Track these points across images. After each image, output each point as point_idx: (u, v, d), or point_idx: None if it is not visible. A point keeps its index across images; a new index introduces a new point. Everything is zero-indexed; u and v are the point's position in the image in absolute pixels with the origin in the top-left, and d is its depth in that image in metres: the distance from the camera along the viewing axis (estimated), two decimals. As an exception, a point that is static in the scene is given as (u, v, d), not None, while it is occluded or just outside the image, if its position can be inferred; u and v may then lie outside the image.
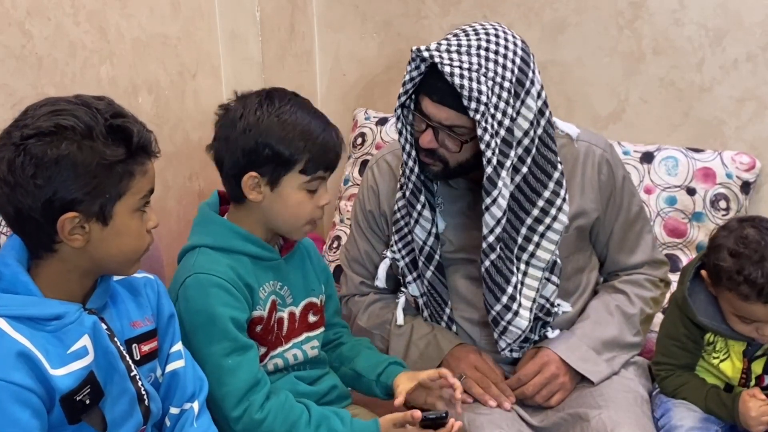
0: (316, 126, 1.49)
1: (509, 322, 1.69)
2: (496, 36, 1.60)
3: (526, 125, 1.63)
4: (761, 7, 2.12)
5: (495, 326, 1.71)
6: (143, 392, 1.30)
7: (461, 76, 1.54)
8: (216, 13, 2.31)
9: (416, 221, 1.75)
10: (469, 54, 1.57)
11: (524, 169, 1.66)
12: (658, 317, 1.86)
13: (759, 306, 1.53)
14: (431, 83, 1.59)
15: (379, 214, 1.89)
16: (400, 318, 1.85)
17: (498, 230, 1.63)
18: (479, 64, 1.56)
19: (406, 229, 1.80)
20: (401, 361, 1.73)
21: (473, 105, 1.54)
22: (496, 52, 1.58)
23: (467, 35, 1.61)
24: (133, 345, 1.33)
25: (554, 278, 1.75)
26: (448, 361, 1.76)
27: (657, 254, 1.90)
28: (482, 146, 1.57)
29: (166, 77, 2.11)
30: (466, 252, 1.78)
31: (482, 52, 1.57)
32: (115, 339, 1.28)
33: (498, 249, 1.65)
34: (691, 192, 2.15)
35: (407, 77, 1.62)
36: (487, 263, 1.66)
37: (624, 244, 1.85)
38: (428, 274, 1.78)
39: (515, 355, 1.79)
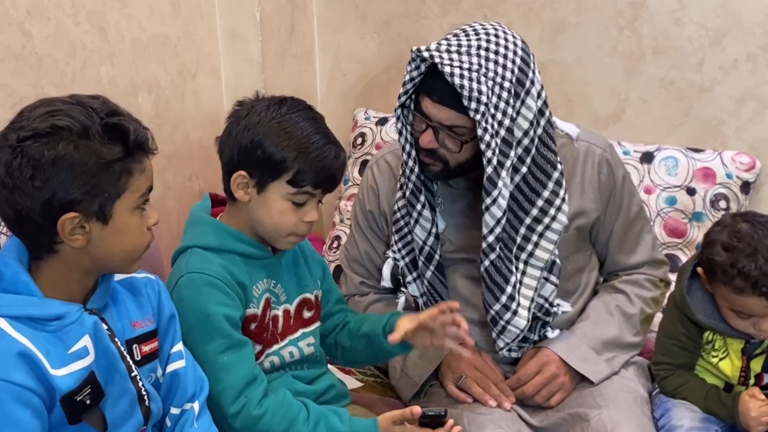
0: (315, 140, 1.47)
1: (508, 322, 1.69)
2: (496, 36, 1.60)
3: (526, 125, 1.63)
4: (761, 7, 2.13)
5: (494, 326, 1.71)
6: (144, 392, 1.30)
7: (461, 77, 1.54)
8: (216, 13, 2.31)
9: (416, 221, 1.75)
10: (469, 54, 1.57)
11: (524, 169, 1.66)
12: (658, 317, 1.86)
13: (754, 299, 1.53)
14: (431, 83, 1.59)
15: (378, 214, 1.89)
16: (400, 318, 1.85)
17: (498, 230, 1.63)
18: (479, 64, 1.56)
19: (406, 229, 1.80)
20: (402, 312, 1.69)
21: (473, 105, 1.54)
22: (496, 52, 1.58)
23: (467, 35, 1.61)
24: (134, 345, 1.33)
25: (553, 278, 1.75)
26: (448, 361, 1.77)
27: (657, 254, 1.90)
28: (482, 146, 1.57)
29: (166, 77, 2.11)
30: (466, 252, 1.78)
31: (482, 52, 1.57)
32: (116, 339, 1.28)
33: (498, 249, 1.65)
34: (691, 192, 2.15)
35: (407, 77, 1.62)
36: (486, 263, 1.66)
37: (624, 244, 1.85)
38: (428, 274, 1.78)
39: (514, 354, 1.79)
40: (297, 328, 1.61)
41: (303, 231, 1.52)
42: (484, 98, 1.54)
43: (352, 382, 1.99)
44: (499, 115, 1.58)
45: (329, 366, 1.73)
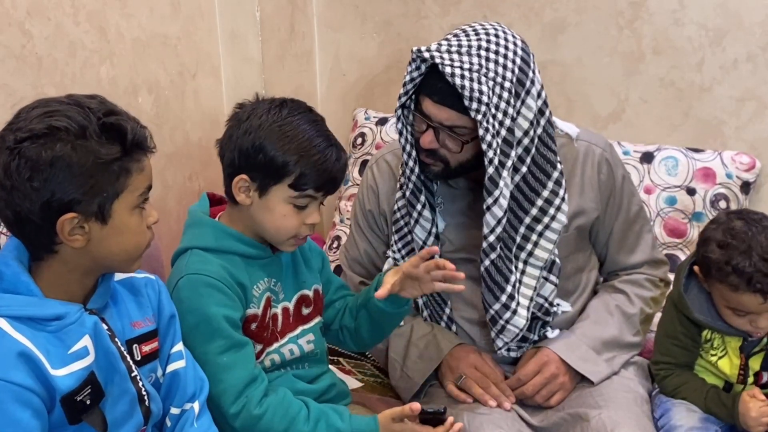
0: (316, 143, 1.46)
1: (507, 321, 1.69)
2: (497, 36, 1.60)
3: (526, 125, 1.63)
4: (761, 7, 2.13)
5: (493, 325, 1.71)
6: (144, 393, 1.30)
7: (462, 77, 1.54)
8: (216, 13, 2.31)
9: (416, 221, 1.75)
10: (469, 54, 1.57)
11: (524, 169, 1.67)
12: (658, 317, 1.86)
13: (749, 296, 1.54)
14: (432, 84, 1.59)
15: (378, 214, 1.89)
16: (400, 318, 1.85)
17: (499, 230, 1.63)
18: (480, 65, 1.56)
19: (406, 229, 1.80)
20: None
21: (474, 105, 1.54)
22: (497, 52, 1.58)
23: (467, 35, 1.61)
24: (134, 345, 1.33)
25: (553, 278, 1.75)
26: (448, 362, 1.77)
27: (657, 254, 1.90)
28: (484, 146, 1.57)
29: (166, 77, 2.11)
30: (466, 252, 1.78)
31: (482, 53, 1.57)
32: (116, 339, 1.28)
33: (498, 248, 1.65)
34: (691, 192, 2.15)
35: (407, 78, 1.62)
36: (487, 262, 1.66)
37: (624, 244, 1.85)
38: (428, 274, 1.78)
39: (514, 354, 1.79)
40: (296, 325, 1.62)
41: (305, 233, 1.52)
42: (484, 98, 1.54)
43: (352, 382, 1.99)
44: (499, 115, 1.58)
45: (330, 366, 1.73)
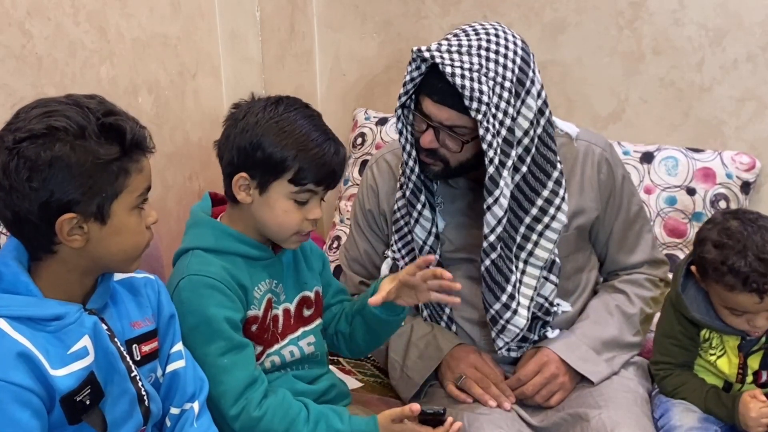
0: (314, 137, 1.46)
1: (508, 321, 1.69)
2: (497, 36, 1.60)
3: (526, 125, 1.63)
4: (761, 7, 2.13)
5: (493, 325, 1.71)
6: (143, 393, 1.30)
7: (462, 77, 1.54)
8: (216, 13, 2.31)
9: (416, 221, 1.75)
10: (469, 54, 1.57)
11: (524, 169, 1.67)
12: (658, 317, 1.86)
13: (745, 295, 1.54)
14: (432, 83, 1.59)
15: (378, 214, 1.89)
16: (400, 318, 1.85)
17: (499, 229, 1.63)
18: (480, 64, 1.56)
19: (406, 229, 1.80)
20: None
21: (474, 105, 1.54)
22: (497, 52, 1.58)
23: (467, 35, 1.61)
24: (134, 345, 1.33)
25: (553, 277, 1.75)
26: (448, 362, 1.77)
27: (657, 254, 1.90)
28: (484, 146, 1.57)
29: (166, 77, 2.11)
30: (466, 251, 1.78)
31: (483, 52, 1.58)
32: (116, 339, 1.28)
33: (499, 248, 1.65)
34: (691, 192, 2.15)
35: (407, 77, 1.62)
36: (487, 262, 1.66)
37: (624, 244, 1.85)
38: (428, 274, 1.78)
39: (514, 354, 1.79)
40: (297, 327, 1.61)
41: (307, 229, 1.52)
42: (485, 98, 1.54)
43: (352, 383, 1.99)
44: (500, 115, 1.58)
45: (330, 366, 1.73)
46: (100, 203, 1.20)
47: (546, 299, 1.76)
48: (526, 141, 1.65)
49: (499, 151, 1.59)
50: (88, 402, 1.21)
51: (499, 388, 1.72)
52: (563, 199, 1.70)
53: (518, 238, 1.70)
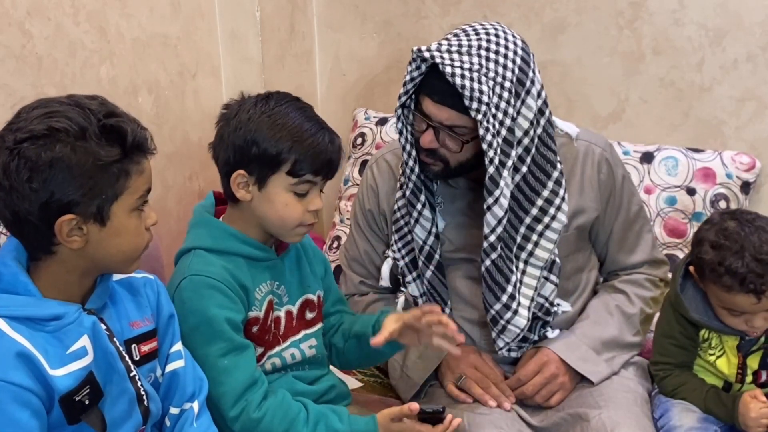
0: (307, 128, 1.47)
1: (508, 321, 1.69)
2: (497, 36, 1.60)
3: (526, 125, 1.63)
4: (761, 7, 2.13)
5: (494, 325, 1.71)
6: (143, 392, 1.30)
7: (462, 77, 1.54)
8: (216, 13, 2.31)
9: (416, 221, 1.75)
10: (469, 54, 1.57)
11: (524, 169, 1.67)
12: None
13: (742, 296, 1.54)
14: (432, 83, 1.59)
15: (378, 214, 1.89)
16: (399, 318, 1.85)
17: (499, 229, 1.63)
18: (480, 64, 1.56)
19: (406, 229, 1.80)
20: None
21: (474, 105, 1.54)
22: (497, 52, 1.58)
23: (467, 35, 1.61)
24: (133, 345, 1.33)
25: (553, 277, 1.75)
26: (448, 362, 1.77)
27: (657, 254, 1.90)
28: (484, 146, 1.57)
29: (166, 77, 2.11)
30: (466, 251, 1.78)
31: (483, 52, 1.58)
32: (115, 339, 1.28)
33: (499, 248, 1.65)
34: (691, 192, 2.15)
35: (408, 77, 1.62)
36: (487, 262, 1.66)
37: (624, 244, 1.85)
38: (428, 273, 1.78)
39: (514, 354, 1.79)
40: (299, 329, 1.61)
41: (310, 221, 1.51)
42: (485, 98, 1.54)
43: (352, 382, 1.99)
44: (500, 115, 1.58)
45: (330, 366, 1.73)
46: (100, 205, 1.20)
47: (546, 299, 1.76)
48: (526, 141, 1.65)
49: (499, 151, 1.59)
50: (87, 402, 1.21)
51: (499, 388, 1.72)
52: (563, 199, 1.70)
53: (518, 239, 1.70)
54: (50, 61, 1.72)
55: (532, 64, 1.64)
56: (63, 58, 1.76)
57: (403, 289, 1.90)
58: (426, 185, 1.74)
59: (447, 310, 1.81)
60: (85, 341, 1.22)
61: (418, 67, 1.61)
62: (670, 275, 1.90)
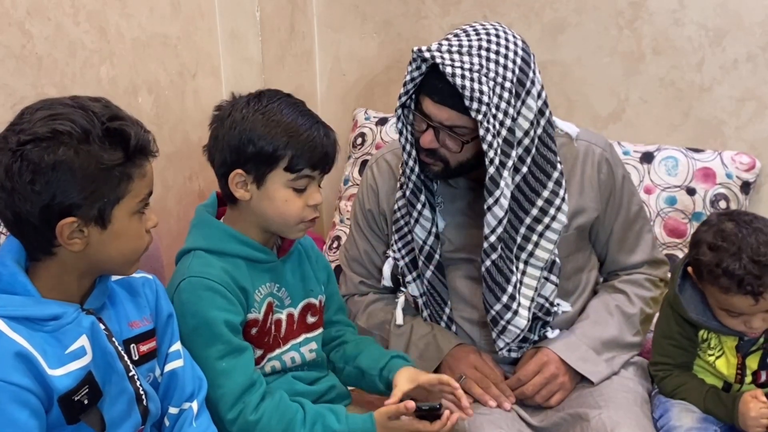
0: (302, 123, 1.47)
1: (508, 322, 1.69)
2: (497, 36, 1.60)
3: (526, 125, 1.63)
4: (761, 7, 2.13)
5: (494, 326, 1.71)
6: (142, 392, 1.30)
7: (462, 77, 1.54)
8: (216, 13, 2.31)
9: (416, 221, 1.75)
10: (470, 54, 1.57)
11: (524, 169, 1.66)
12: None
13: (740, 298, 1.54)
14: (432, 83, 1.59)
15: (378, 213, 1.89)
16: (399, 318, 1.85)
17: (500, 230, 1.63)
18: (480, 65, 1.56)
19: (406, 229, 1.80)
20: (404, 354, 1.71)
21: (475, 105, 1.54)
22: (497, 53, 1.58)
23: (468, 35, 1.61)
24: (132, 345, 1.33)
25: (553, 277, 1.75)
26: (448, 362, 1.77)
27: (657, 254, 1.90)
28: (484, 146, 1.57)
29: (166, 77, 2.11)
30: (466, 251, 1.78)
31: (483, 53, 1.57)
32: (113, 339, 1.28)
33: (499, 249, 1.65)
34: (691, 192, 2.15)
35: (408, 77, 1.62)
36: (488, 263, 1.66)
37: (624, 244, 1.85)
38: (428, 273, 1.78)
39: (514, 355, 1.79)
40: (300, 332, 1.61)
41: (310, 216, 1.52)
42: (485, 98, 1.54)
43: (351, 382, 1.99)
44: (500, 115, 1.58)
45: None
46: (101, 208, 1.20)
47: (546, 299, 1.76)
48: (526, 141, 1.65)
49: (499, 151, 1.59)
50: (86, 402, 1.21)
51: (499, 389, 1.72)
52: (563, 199, 1.70)
53: (518, 239, 1.70)
54: (50, 61, 1.72)
55: (532, 65, 1.63)
56: (63, 58, 1.76)
57: (403, 289, 1.90)
58: (426, 185, 1.74)
59: (447, 310, 1.81)
60: (83, 341, 1.22)
61: (418, 67, 1.61)
62: (669, 275, 1.90)
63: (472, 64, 1.56)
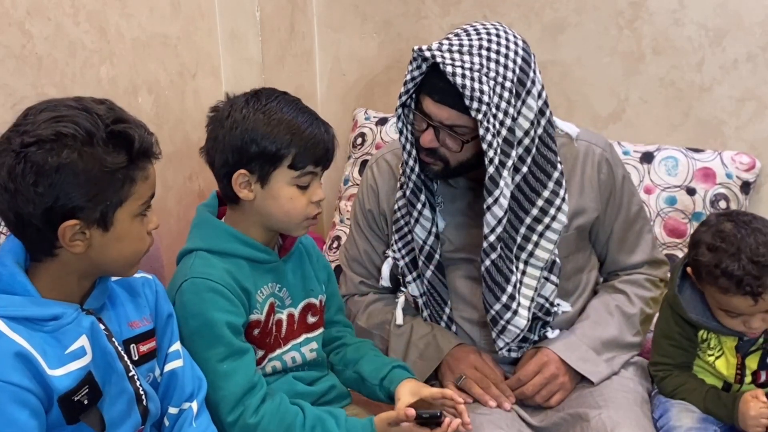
0: (302, 120, 1.48)
1: (508, 322, 1.69)
2: (497, 36, 1.60)
3: (526, 125, 1.63)
4: (761, 7, 2.12)
5: (494, 325, 1.71)
6: (141, 392, 1.30)
7: (463, 76, 1.54)
8: (216, 13, 2.31)
9: (416, 220, 1.75)
10: (470, 54, 1.57)
11: (524, 169, 1.66)
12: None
13: (739, 298, 1.54)
14: (432, 83, 1.59)
15: (378, 214, 1.89)
16: (399, 318, 1.85)
17: (499, 229, 1.63)
18: (481, 64, 1.56)
19: (406, 229, 1.80)
20: (405, 364, 1.71)
21: (475, 105, 1.54)
22: (498, 52, 1.58)
23: (468, 35, 1.61)
24: (132, 345, 1.33)
25: (553, 278, 1.75)
26: (448, 362, 1.77)
27: (657, 254, 1.90)
28: (484, 146, 1.57)
29: (166, 77, 2.11)
30: (466, 251, 1.78)
31: (483, 52, 1.57)
32: (113, 339, 1.28)
33: (499, 248, 1.65)
34: (691, 192, 2.15)
35: (408, 77, 1.62)
36: (487, 262, 1.66)
37: (624, 244, 1.85)
38: (428, 273, 1.78)
39: (514, 355, 1.79)
40: (300, 332, 1.61)
41: (314, 212, 1.52)
42: (485, 98, 1.54)
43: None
44: (500, 115, 1.58)
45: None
46: (104, 210, 1.20)
47: (546, 299, 1.76)
48: (526, 141, 1.65)
49: (499, 151, 1.59)
50: (86, 402, 1.21)
51: (499, 389, 1.72)
52: (563, 199, 1.70)
53: (518, 239, 1.70)
54: (50, 61, 1.72)
55: (532, 65, 1.63)
56: (63, 58, 1.76)
57: (403, 289, 1.90)
58: (426, 185, 1.74)
59: (447, 310, 1.81)
60: (83, 341, 1.22)
61: (418, 67, 1.61)
62: (669, 275, 1.91)
63: (472, 63, 1.56)
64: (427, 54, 1.57)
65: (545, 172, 1.68)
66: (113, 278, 1.33)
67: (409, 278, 1.84)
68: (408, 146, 1.70)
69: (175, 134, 2.17)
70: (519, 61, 1.60)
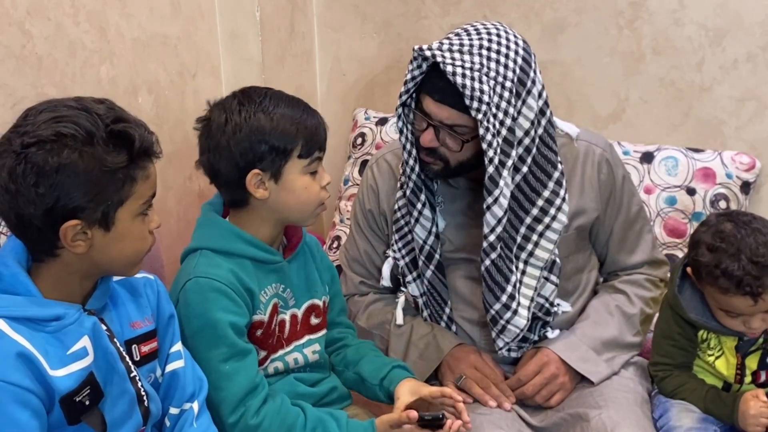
0: (298, 110, 1.51)
1: (508, 321, 1.69)
2: (498, 35, 1.60)
3: (527, 125, 1.63)
4: (761, 7, 2.13)
5: (494, 325, 1.71)
6: (143, 393, 1.30)
7: (463, 76, 1.54)
8: (216, 13, 2.31)
9: (416, 220, 1.75)
10: (471, 53, 1.57)
11: (524, 169, 1.67)
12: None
13: (739, 298, 1.54)
14: (433, 82, 1.59)
15: (378, 214, 1.89)
16: (399, 318, 1.85)
17: (499, 229, 1.63)
18: (481, 64, 1.56)
19: (406, 229, 1.80)
20: (405, 364, 1.71)
21: (475, 104, 1.54)
22: (498, 52, 1.58)
23: (468, 35, 1.61)
24: (133, 346, 1.33)
25: (553, 278, 1.75)
26: (448, 362, 1.77)
27: (657, 254, 1.90)
28: (484, 146, 1.57)
29: (166, 77, 2.11)
30: (466, 251, 1.78)
31: (484, 52, 1.58)
32: (115, 340, 1.28)
33: (499, 248, 1.65)
34: (691, 192, 2.15)
35: (408, 76, 1.62)
36: (487, 262, 1.66)
37: (624, 244, 1.85)
38: (428, 273, 1.78)
39: (514, 354, 1.79)
40: (303, 333, 1.61)
41: (326, 197, 1.55)
42: (485, 98, 1.54)
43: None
44: (500, 115, 1.58)
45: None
46: (105, 210, 1.20)
47: (546, 299, 1.76)
48: (526, 141, 1.65)
49: (499, 150, 1.59)
50: (87, 402, 1.21)
51: (500, 389, 1.72)
52: (564, 199, 1.70)
53: (518, 239, 1.70)
54: (50, 61, 1.72)
55: (533, 65, 1.64)
56: (63, 58, 1.75)
57: (403, 289, 1.90)
58: (426, 185, 1.74)
59: (447, 310, 1.81)
60: (85, 342, 1.22)
61: (419, 66, 1.61)
62: (669, 275, 1.91)
63: (472, 63, 1.56)
64: (428, 53, 1.57)
65: (545, 172, 1.68)
66: (115, 278, 1.33)
67: (409, 278, 1.84)
68: (408, 146, 1.70)
69: (175, 134, 2.17)
70: (519, 60, 1.60)
